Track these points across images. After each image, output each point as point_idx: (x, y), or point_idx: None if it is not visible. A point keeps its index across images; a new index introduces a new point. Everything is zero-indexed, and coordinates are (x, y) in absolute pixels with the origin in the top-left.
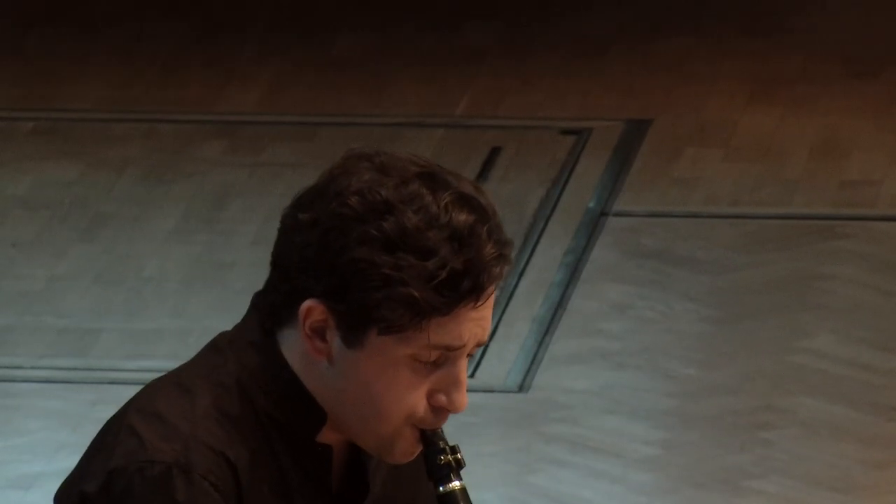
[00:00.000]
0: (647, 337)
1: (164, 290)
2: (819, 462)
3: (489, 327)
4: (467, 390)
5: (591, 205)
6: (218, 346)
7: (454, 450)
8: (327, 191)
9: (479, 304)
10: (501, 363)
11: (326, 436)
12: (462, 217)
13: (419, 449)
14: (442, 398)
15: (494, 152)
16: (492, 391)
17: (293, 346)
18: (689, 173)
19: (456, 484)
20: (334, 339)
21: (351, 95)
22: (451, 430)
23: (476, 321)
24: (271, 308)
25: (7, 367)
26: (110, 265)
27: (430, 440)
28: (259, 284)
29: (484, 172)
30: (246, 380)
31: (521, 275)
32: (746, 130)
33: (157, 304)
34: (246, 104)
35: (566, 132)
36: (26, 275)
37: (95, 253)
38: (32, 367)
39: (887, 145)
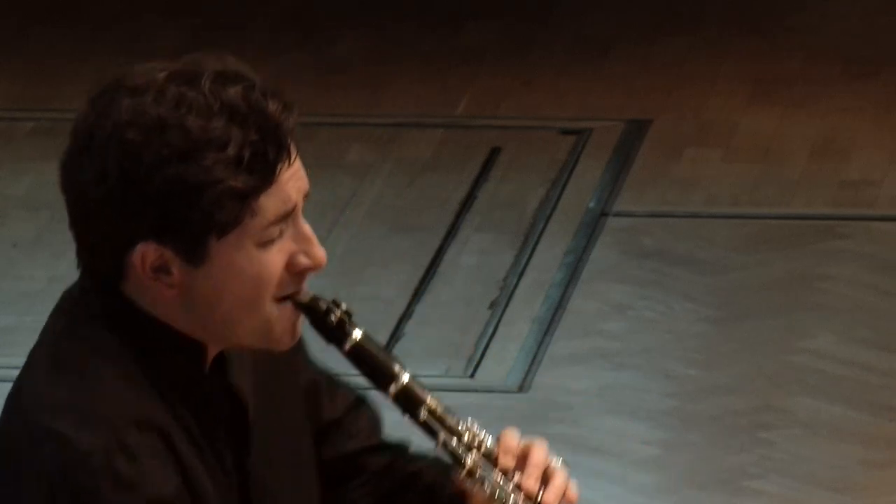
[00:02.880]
0: (647, 337)
1: None
2: (819, 462)
3: (305, 174)
4: (468, 391)
5: (591, 205)
6: (75, 315)
7: (336, 303)
8: (94, 140)
9: (292, 161)
10: (501, 363)
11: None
12: (230, 92)
13: (300, 321)
14: (303, 260)
15: (494, 152)
16: (492, 391)
17: (141, 293)
18: (689, 173)
19: (356, 335)
20: (179, 268)
21: (351, 95)
22: None
23: (294, 176)
24: (101, 272)
25: (7, 368)
26: None
27: (310, 307)
28: None
29: (484, 172)
30: (125, 344)
31: (521, 275)
32: (746, 130)
33: None
34: None
35: (566, 132)
36: (27, 275)
37: None
38: None
39: (887, 145)
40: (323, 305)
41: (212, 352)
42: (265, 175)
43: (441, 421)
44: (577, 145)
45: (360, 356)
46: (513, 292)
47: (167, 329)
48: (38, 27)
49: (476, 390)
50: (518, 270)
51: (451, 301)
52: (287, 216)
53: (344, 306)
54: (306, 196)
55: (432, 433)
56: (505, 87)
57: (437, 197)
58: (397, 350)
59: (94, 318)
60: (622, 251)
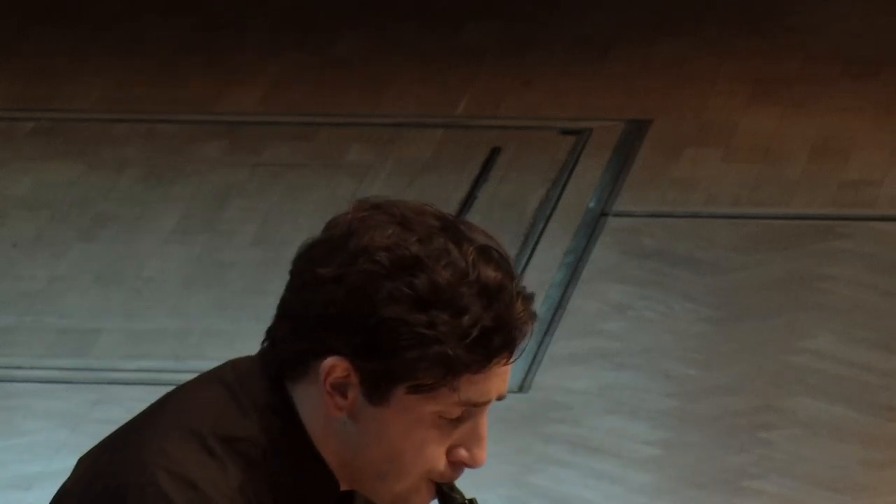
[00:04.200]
0: (647, 337)
1: (164, 290)
2: (819, 462)
3: (509, 378)
4: None
5: (591, 205)
6: (235, 394)
7: (473, 502)
8: (347, 245)
9: (512, 360)
10: None
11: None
12: (490, 273)
13: (433, 499)
14: (463, 453)
15: (494, 152)
16: None
17: (308, 400)
18: (689, 173)
19: None
20: (356, 396)
21: (351, 95)
22: None
23: (501, 375)
24: (283, 363)
25: (7, 368)
26: (110, 265)
27: (448, 496)
28: (260, 284)
29: (484, 172)
30: (269, 453)
31: (521, 275)
32: (746, 130)
33: (157, 304)
34: (246, 104)
35: (566, 132)
36: (26, 275)
37: (95, 253)
38: (32, 367)
39: (887, 145)
40: (459, 499)
41: (342, 487)
42: (481, 360)
43: None
44: (577, 145)
45: None
46: None
47: (315, 454)
48: (38, 27)
49: None
50: (518, 270)
51: None
52: (475, 406)
53: None
54: (500, 398)
55: None
56: (505, 87)
57: (437, 197)
58: None
59: (253, 407)
60: (622, 251)
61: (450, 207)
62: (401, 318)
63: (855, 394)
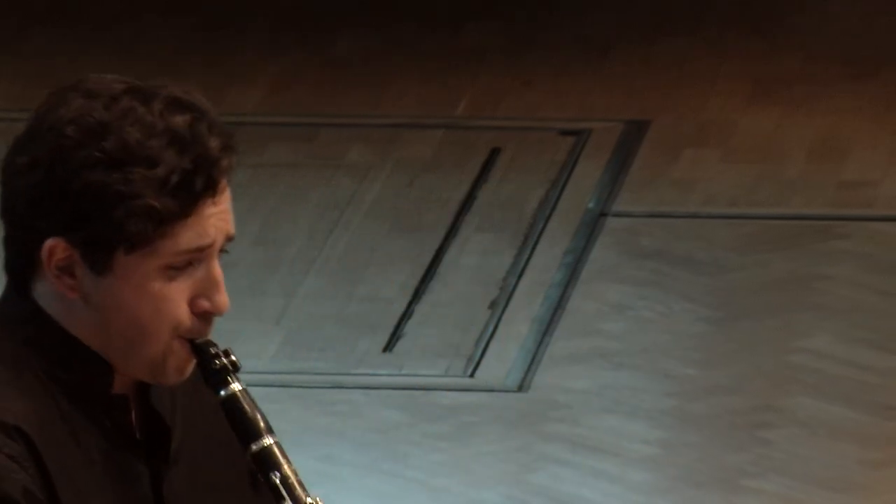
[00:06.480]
0: (646, 337)
1: None
2: (817, 462)
3: (232, 219)
4: (468, 391)
5: (591, 205)
6: None
7: (227, 353)
8: (40, 129)
9: (217, 197)
10: (501, 363)
11: (119, 385)
12: (178, 119)
13: (192, 363)
14: (204, 303)
15: (494, 153)
16: (491, 391)
17: (48, 295)
18: (688, 174)
19: (235, 386)
20: (83, 273)
21: (351, 95)
22: (451, 431)
23: (217, 215)
24: (15, 265)
25: None
26: None
27: (201, 349)
28: (260, 284)
29: (484, 173)
30: (23, 354)
31: (521, 275)
32: (746, 130)
33: None
34: (246, 104)
35: (566, 132)
36: None
37: None
38: None
39: (887, 145)
40: (213, 351)
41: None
42: (186, 204)
43: (290, 490)
44: (576, 146)
45: (232, 408)
46: (513, 292)
47: (75, 342)
48: (38, 27)
49: (476, 390)
50: (518, 270)
51: (451, 301)
52: (201, 251)
53: (233, 358)
54: (229, 240)
55: (279, 498)
56: (505, 87)
57: (437, 197)
58: (397, 350)
59: (4, 323)
60: (621, 251)
61: (450, 207)
62: (98, 181)
63: (853, 393)
